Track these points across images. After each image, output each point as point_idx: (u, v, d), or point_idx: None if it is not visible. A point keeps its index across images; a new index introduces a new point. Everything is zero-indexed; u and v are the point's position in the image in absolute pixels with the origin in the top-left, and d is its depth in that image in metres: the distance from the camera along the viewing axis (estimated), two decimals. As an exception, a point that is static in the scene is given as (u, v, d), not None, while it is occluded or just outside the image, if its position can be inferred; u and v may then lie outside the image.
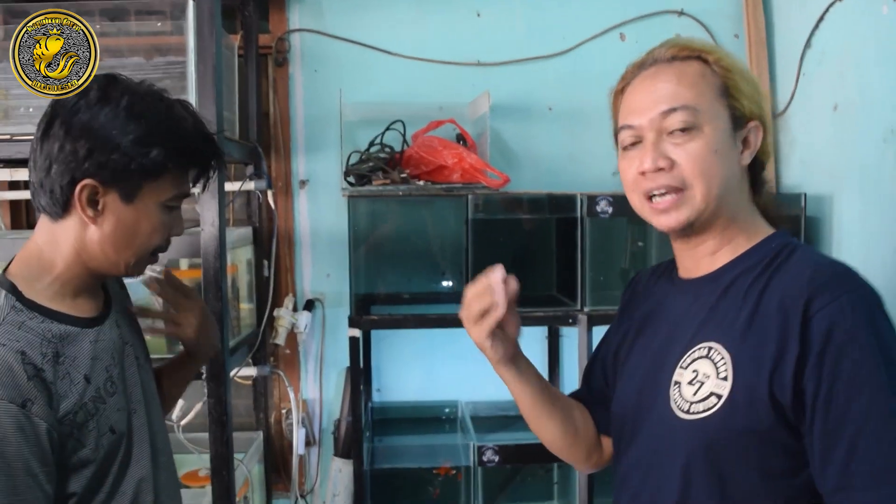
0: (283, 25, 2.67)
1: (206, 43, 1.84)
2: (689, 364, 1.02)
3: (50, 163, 1.10)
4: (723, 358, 0.98)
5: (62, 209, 1.13)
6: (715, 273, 1.07)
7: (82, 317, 1.16)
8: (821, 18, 2.28)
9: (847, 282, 0.96)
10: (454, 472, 2.42)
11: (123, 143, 1.09)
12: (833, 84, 2.21)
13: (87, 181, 1.10)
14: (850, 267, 1.00)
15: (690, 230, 1.07)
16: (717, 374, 0.98)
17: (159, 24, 2.08)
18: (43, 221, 1.16)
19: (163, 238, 1.21)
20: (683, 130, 1.03)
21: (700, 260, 1.10)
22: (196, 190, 1.26)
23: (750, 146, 1.06)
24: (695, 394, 0.99)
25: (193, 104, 1.79)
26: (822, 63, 2.29)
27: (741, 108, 1.05)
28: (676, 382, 1.03)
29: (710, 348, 1.00)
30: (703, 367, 1.00)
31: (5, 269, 1.15)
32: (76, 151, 1.08)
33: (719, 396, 0.96)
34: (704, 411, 0.97)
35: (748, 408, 0.95)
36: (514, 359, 1.19)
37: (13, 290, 1.11)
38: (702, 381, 0.99)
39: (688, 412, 0.99)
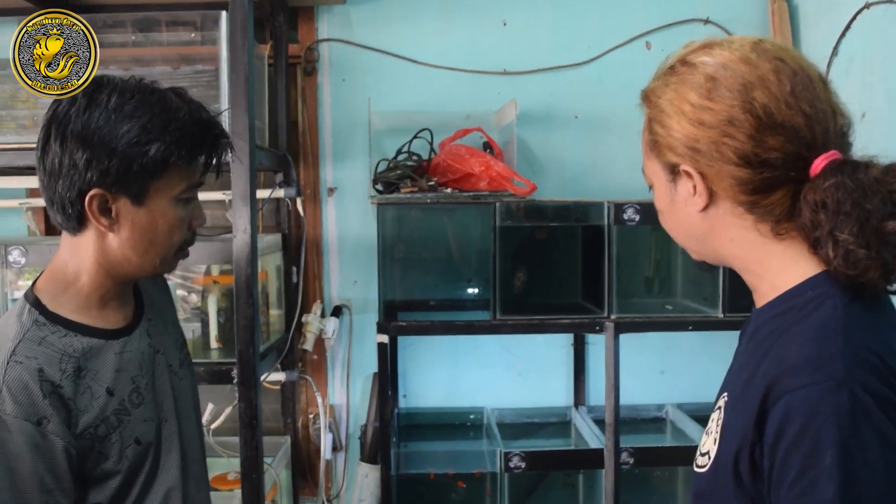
0: (312, 35, 2.71)
1: (239, 53, 1.86)
2: (714, 411, 0.97)
3: (54, 179, 1.08)
4: (720, 419, 0.93)
5: (78, 223, 1.11)
6: (758, 311, 0.95)
7: (108, 328, 1.16)
8: (848, 26, 2.27)
9: (817, 370, 0.80)
10: (478, 476, 2.43)
11: (119, 146, 1.06)
12: (861, 92, 2.20)
13: (94, 191, 1.08)
14: (842, 349, 0.81)
15: (713, 265, 1.04)
16: (715, 432, 0.93)
17: (192, 34, 2.12)
18: (65, 236, 1.15)
19: (184, 232, 1.18)
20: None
21: (754, 293, 0.99)
22: (210, 176, 1.21)
23: (697, 190, 0.93)
24: (703, 444, 0.96)
25: (226, 114, 1.85)
26: (849, 71, 2.28)
27: (667, 158, 0.95)
28: (707, 426, 0.99)
29: (724, 400, 0.94)
30: (715, 419, 0.95)
31: (33, 284, 1.15)
32: (76, 163, 1.06)
33: (710, 458, 0.93)
34: (701, 467, 0.95)
35: (724, 477, 0.89)
36: None
37: (37, 304, 1.11)
38: (709, 433, 0.96)
39: (696, 462, 0.98)
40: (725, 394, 0.95)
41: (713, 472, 0.91)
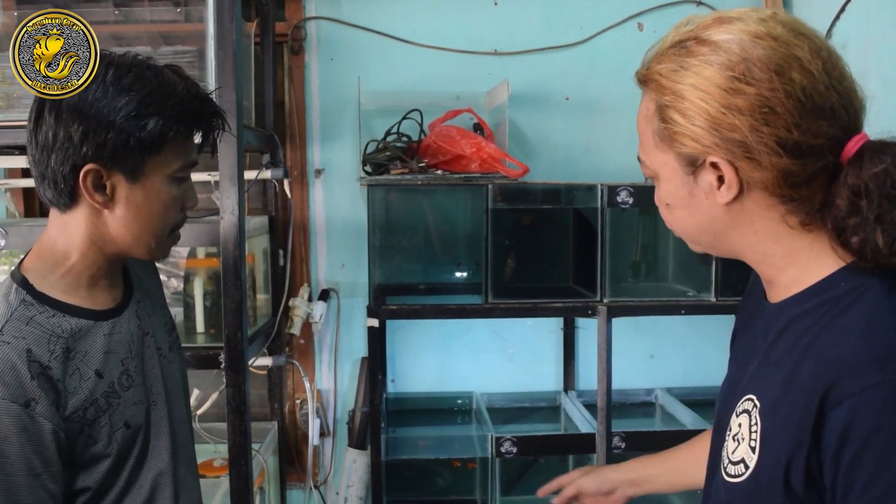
0: (300, 13, 2.65)
1: (227, 30, 1.81)
2: (739, 414, 0.91)
3: (47, 153, 1.05)
4: (756, 424, 0.87)
5: (69, 199, 1.08)
6: (780, 305, 0.90)
7: (97, 309, 1.13)
8: (842, 9, 2.26)
9: (881, 369, 0.75)
10: (471, 464, 2.42)
11: (117, 119, 1.04)
12: (856, 76, 2.18)
13: (89, 166, 1.05)
14: None
15: (718, 258, 1.01)
16: (750, 439, 0.87)
17: (178, 9, 2.07)
18: (54, 213, 1.12)
19: (177, 213, 1.17)
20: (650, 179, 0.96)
21: (768, 285, 0.93)
22: (204, 153, 1.20)
23: (725, 181, 0.84)
24: (733, 452, 0.91)
25: (214, 92, 1.80)
26: (843, 55, 2.26)
27: (686, 150, 0.85)
28: (730, 429, 0.93)
29: (753, 404, 0.88)
30: (744, 423, 0.89)
31: (20, 263, 1.12)
32: (71, 137, 1.04)
33: (747, 466, 0.87)
34: (735, 476, 0.90)
35: (768, 487, 0.84)
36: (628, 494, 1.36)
37: (24, 283, 1.08)
38: (739, 440, 0.90)
39: (725, 471, 0.93)
40: (753, 396, 0.89)
41: (753, 482, 0.86)
